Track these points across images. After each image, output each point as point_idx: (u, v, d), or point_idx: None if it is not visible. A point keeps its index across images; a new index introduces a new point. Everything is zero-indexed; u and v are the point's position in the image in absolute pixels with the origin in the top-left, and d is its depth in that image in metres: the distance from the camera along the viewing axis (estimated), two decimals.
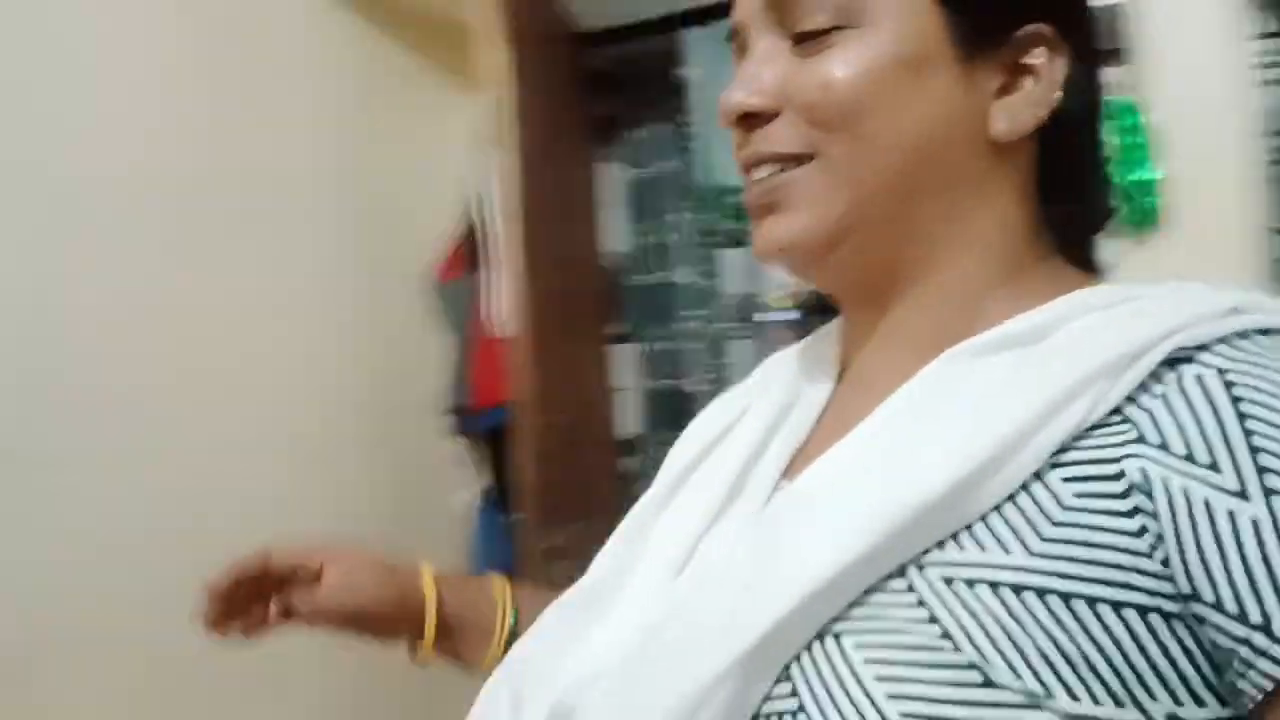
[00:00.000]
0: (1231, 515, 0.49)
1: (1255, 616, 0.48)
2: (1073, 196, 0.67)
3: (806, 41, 0.63)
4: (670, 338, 2.21)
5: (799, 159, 0.63)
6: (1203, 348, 0.54)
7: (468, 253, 2.08)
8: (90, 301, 1.51)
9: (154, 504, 1.54)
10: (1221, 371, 0.53)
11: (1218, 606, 0.49)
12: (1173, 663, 0.51)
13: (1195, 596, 0.50)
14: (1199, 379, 0.53)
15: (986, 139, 0.63)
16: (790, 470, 0.68)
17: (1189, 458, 0.51)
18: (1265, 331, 0.55)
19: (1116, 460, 0.53)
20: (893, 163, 0.62)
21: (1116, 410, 0.54)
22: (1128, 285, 0.62)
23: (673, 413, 2.13)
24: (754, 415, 0.71)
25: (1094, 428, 0.54)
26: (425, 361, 2.09)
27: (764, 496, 0.67)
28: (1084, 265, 0.68)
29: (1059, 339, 0.58)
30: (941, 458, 0.54)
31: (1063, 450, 0.54)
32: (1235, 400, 0.51)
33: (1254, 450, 0.50)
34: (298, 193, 1.86)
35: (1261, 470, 0.50)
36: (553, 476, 1.81)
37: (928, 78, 0.62)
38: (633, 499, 0.73)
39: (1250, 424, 0.51)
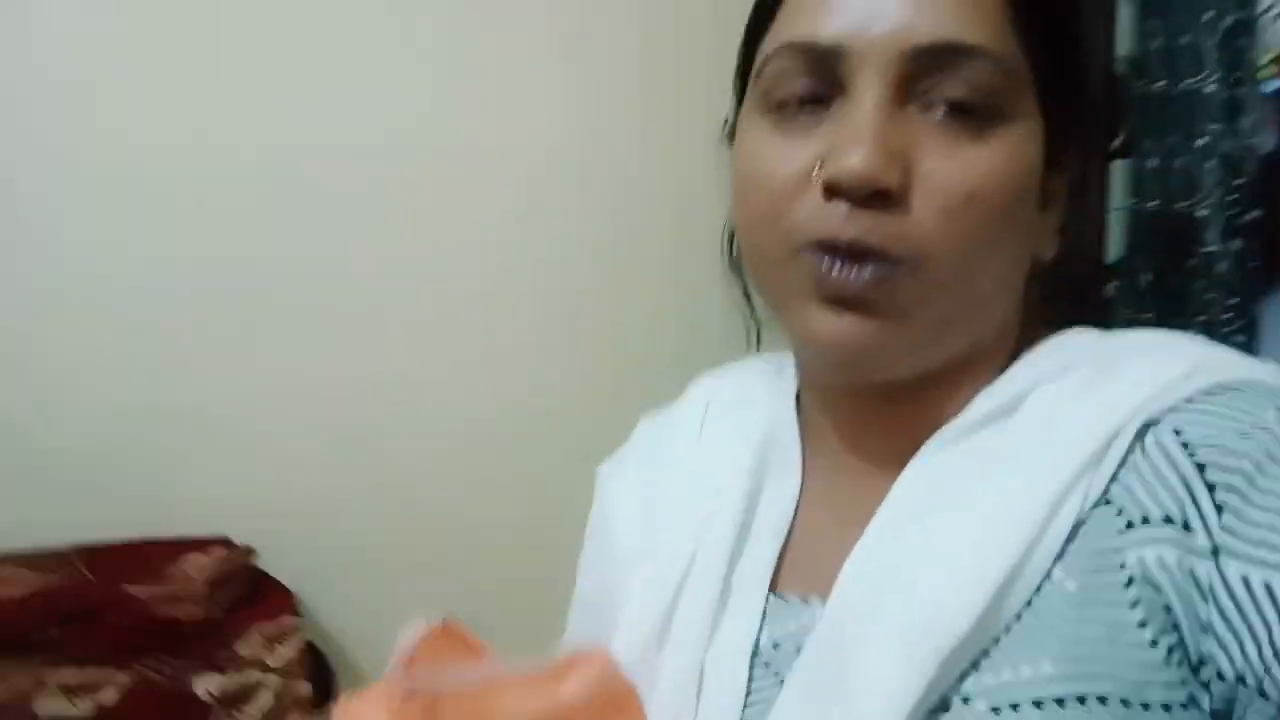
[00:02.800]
0: (1210, 576, 0.51)
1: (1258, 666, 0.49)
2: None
3: (943, 114, 0.57)
4: (1172, 154, 1.83)
5: (907, 261, 0.57)
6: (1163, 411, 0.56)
7: None
8: None
9: None
10: (1177, 431, 0.54)
11: (1235, 674, 0.50)
12: None
13: (1204, 661, 0.51)
14: (1157, 441, 0.55)
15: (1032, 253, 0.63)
16: (779, 577, 0.64)
17: (1166, 520, 0.53)
18: (1223, 387, 0.56)
19: (1119, 551, 0.53)
20: (993, 285, 0.60)
21: (1102, 492, 0.55)
22: (1080, 339, 0.63)
23: (1164, 238, 1.86)
24: (722, 509, 0.66)
25: (1087, 514, 0.55)
26: None
27: (757, 611, 0.63)
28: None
29: (1028, 411, 0.59)
30: (962, 590, 0.54)
31: (1065, 542, 0.54)
32: (1190, 454, 0.53)
33: (1218, 507, 0.51)
34: None
35: (1223, 520, 0.51)
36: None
37: (1029, 198, 0.60)
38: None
39: (1207, 472, 0.52)
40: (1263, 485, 0.51)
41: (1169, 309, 1.86)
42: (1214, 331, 1.79)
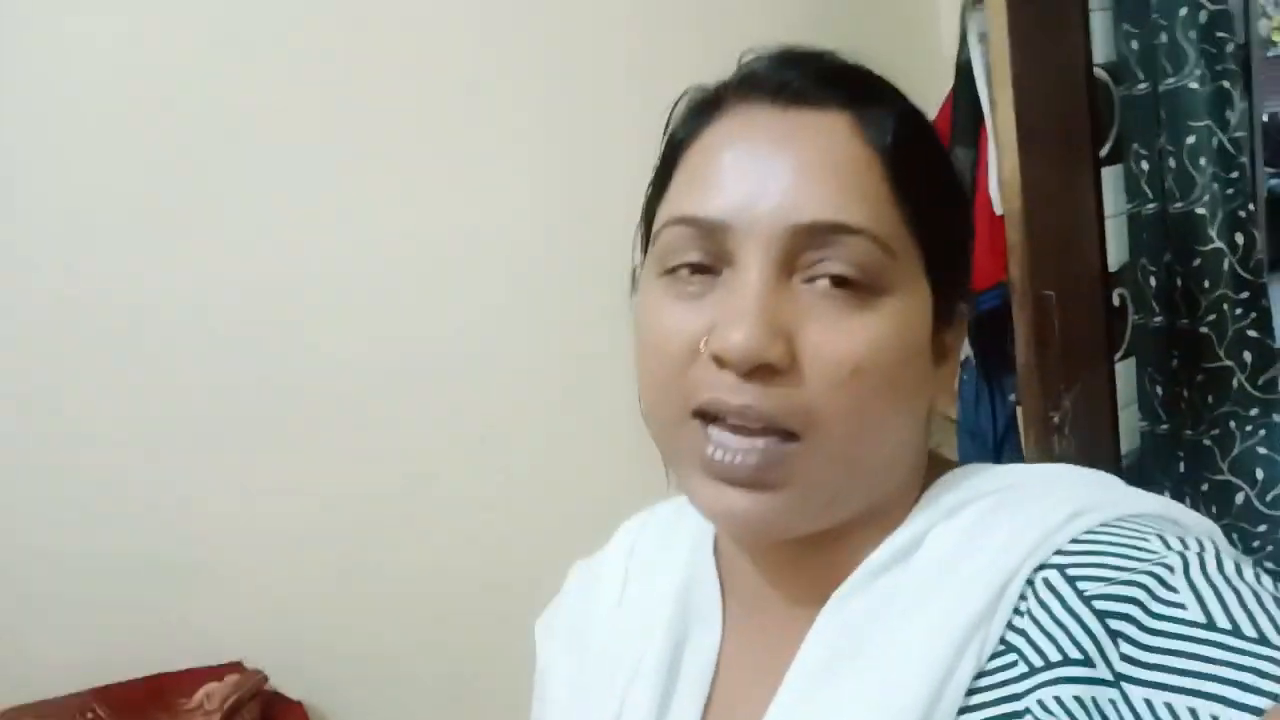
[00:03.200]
0: (1115, 705, 0.52)
1: None
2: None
3: (827, 287, 0.58)
4: (1163, 155, 1.81)
5: (794, 434, 0.57)
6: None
7: (961, 125, 1.85)
8: None
9: None
10: (1063, 569, 0.56)
11: None
12: None
13: None
14: (1047, 582, 0.56)
15: (930, 404, 0.64)
16: None
17: (1064, 660, 0.54)
18: (1108, 523, 0.57)
19: (1019, 697, 0.55)
20: (889, 448, 0.61)
21: (999, 640, 0.56)
22: (964, 479, 0.64)
23: (1166, 239, 1.83)
24: (646, 663, 0.67)
25: (986, 663, 0.56)
26: None
27: None
28: None
29: (926, 553, 0.60)
30: None
31: (966, 694, 0.56)
32: (1080, 591, 0.55)
33: (1113, 636, 0.53)
34: None
35: (1121, 649, 0.52)
36: (1049, 353, 1.75)
37: (919, 359, 0.61)
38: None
39: (1098, 604, 0.54)
40: (1155, 610, 0.52)
41: (1178, 310, 1.82)
42: (1227, 328, 1.75)
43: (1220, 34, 1.71)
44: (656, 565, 0.73)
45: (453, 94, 1.56)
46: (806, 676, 0.60)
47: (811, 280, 0.58)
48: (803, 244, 0.57)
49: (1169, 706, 0.50)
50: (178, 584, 1.43)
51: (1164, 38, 1.74)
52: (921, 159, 0.62)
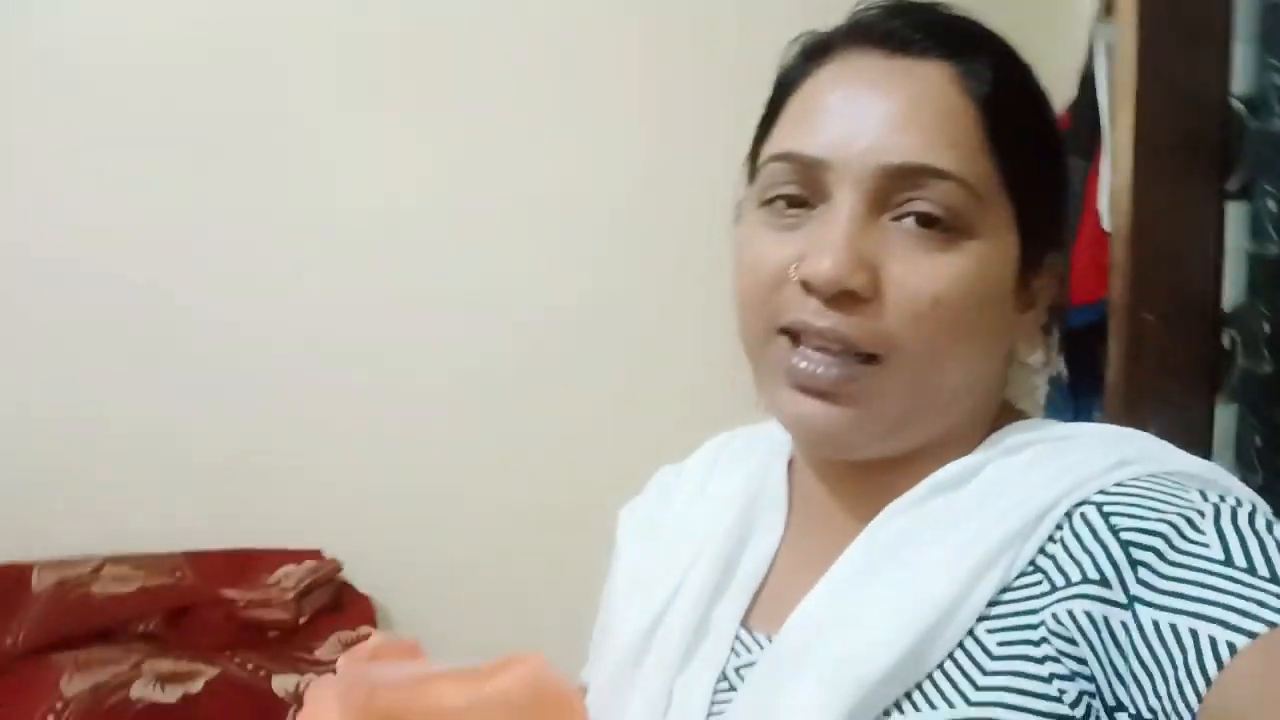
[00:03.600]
0: (1125, 626, 0.55)
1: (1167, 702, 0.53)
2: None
3: (913, 224, 0.62)
4: None
5: (874, 358, 0.62)
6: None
7: (1078, 134, 1.82)
8: None
9: None
10: (1099, 506, 0.59)
11: (1149, 711, 0.54)
12: None
13: (1120, 706, 0.55)
14: (1083, 516, 0.60)
15: (1012, 350, 0.68)
16: (751, 615, 0.70)
17: (1084, 579, 0.57)
18: (1153, 474, 0.60)
19: (1035, 611, 0.58)
20: (959, 381, 0.64)
21: (1029, 561, 0.60)
22: (1033, 427, 0.68)
23: None
24: (709, 551, 0.72)
25: (1013, 580, 0.60)
26: None
27: (727, 643, 0.69)
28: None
29: (978, 484, 0.64)
30: (890, 633, 0.59)
31: (989, 604, 0.59)
32: (1111, 525, 0.58)
33: (1134, 564, 0.56)
34: None
35: (1139, 575, 0.56)
36: (1141, 378, 1.74)
37: (1000, 303, 0.64)
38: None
39: (1125, 535, 0.57)
40: (1179, 545, 0.55)
41: None
42: None
43: None
44: (734, 472, 0.78)
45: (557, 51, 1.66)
46: (848, 572, 0.65)
47: (899, 219, 0.62)
48: (893, 184, 0.62)
49: (1173, 627, 0.53)
50: (270, 472, 1.54)
51: None
52: (1019, 111, 0.65)
